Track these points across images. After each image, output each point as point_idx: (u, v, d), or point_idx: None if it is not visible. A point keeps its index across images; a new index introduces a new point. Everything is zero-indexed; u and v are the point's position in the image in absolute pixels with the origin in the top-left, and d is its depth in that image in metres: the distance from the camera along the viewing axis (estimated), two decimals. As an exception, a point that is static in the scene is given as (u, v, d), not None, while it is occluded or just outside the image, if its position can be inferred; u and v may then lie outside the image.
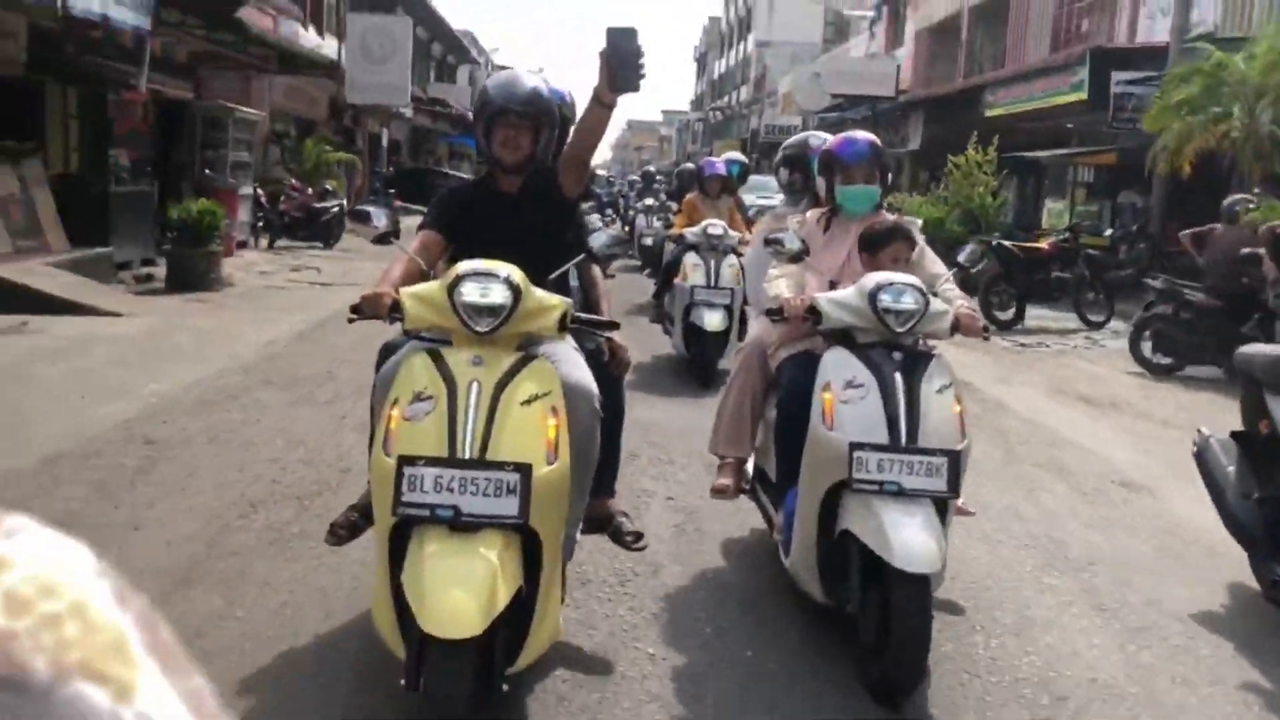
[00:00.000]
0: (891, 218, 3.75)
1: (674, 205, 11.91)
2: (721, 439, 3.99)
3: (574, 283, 3.41)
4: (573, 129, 3.28)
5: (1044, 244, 12.10)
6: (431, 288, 2.76)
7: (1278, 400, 3.75)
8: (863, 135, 3.88)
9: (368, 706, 2.83)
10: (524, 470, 2.49)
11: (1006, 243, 11.86)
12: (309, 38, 21.46)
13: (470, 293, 2.65)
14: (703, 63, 74.35)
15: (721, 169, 8.97)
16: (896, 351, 3.20)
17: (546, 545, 2.60)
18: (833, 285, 3.55)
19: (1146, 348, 9.02)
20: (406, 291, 2.77)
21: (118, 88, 12.86)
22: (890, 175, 3.88)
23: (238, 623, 3.28)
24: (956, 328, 3.31)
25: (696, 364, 7.73)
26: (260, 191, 16.83)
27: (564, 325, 2.78)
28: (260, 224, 16.89)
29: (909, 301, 3.18)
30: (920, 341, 3.32)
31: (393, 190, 25.14)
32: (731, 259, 7.69)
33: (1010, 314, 11.52)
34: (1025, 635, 3.43)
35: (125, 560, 3.73)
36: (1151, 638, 3.44)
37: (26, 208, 11.19)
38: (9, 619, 0.39)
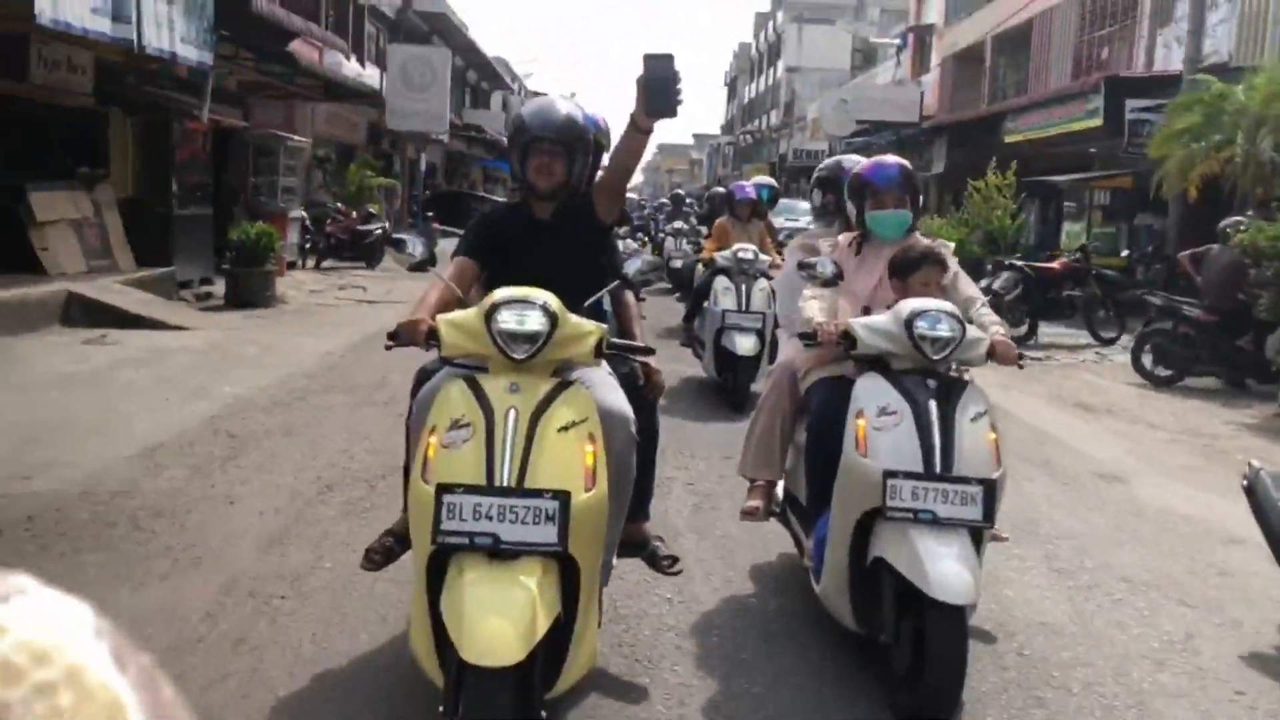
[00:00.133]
0: (925, 242, 3.68)
1: (704, 229, 11.97)
2: (751, 461, 3.99)
3: (606, 307, 3.41)
4: (609, 154, 3.32)
5: (1056, 264, 12.62)
6: (468, 315, 2.76)
7: None
8: (893, 160, 3.85)
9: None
10: (562, 498, 2.49)
11: (1019, 262, 12.41)
12: (351, 67, 22.36)
13: (507, 320, 2.66)
14: (733, 88, 75.15)
15: (752, 193, 8.99)
16: (931, 379, 3.17)
17: (584, 572, 2.60)
18: (866, 310, 3.53)
19: (1147, 360, 9.54)
20: (443, 319, 2.77)
21: (180, 117, 13.76)
22: (921, 199, 3.85)
23: (326, 572, 3.94)
24: (992, 355, 3.27)
25: (728, 388, 7.69)
26: (304, 215, 17.69)
27: (599, 351, 2.78)
28: (307, 246, 17.73)
29: (945, 329, 3.14)
30: (953, 368, 3.29)
31: (430, 213, 26.05)
32: (762, 283, 7.70)
33: (1024, 330, 12.05)
34: (988, 591, 3.99)
35: (227, 526, 4.43)
36: (1097, 593, 4.02)
37: (99, 230, 12.04)
38: (2, 689, 0.38)
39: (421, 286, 3.10)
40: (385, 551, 3.17)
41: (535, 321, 2.65)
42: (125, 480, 4.98)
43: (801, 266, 3.63)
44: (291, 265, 16.42)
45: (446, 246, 19.75)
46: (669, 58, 2.81)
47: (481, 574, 2.45)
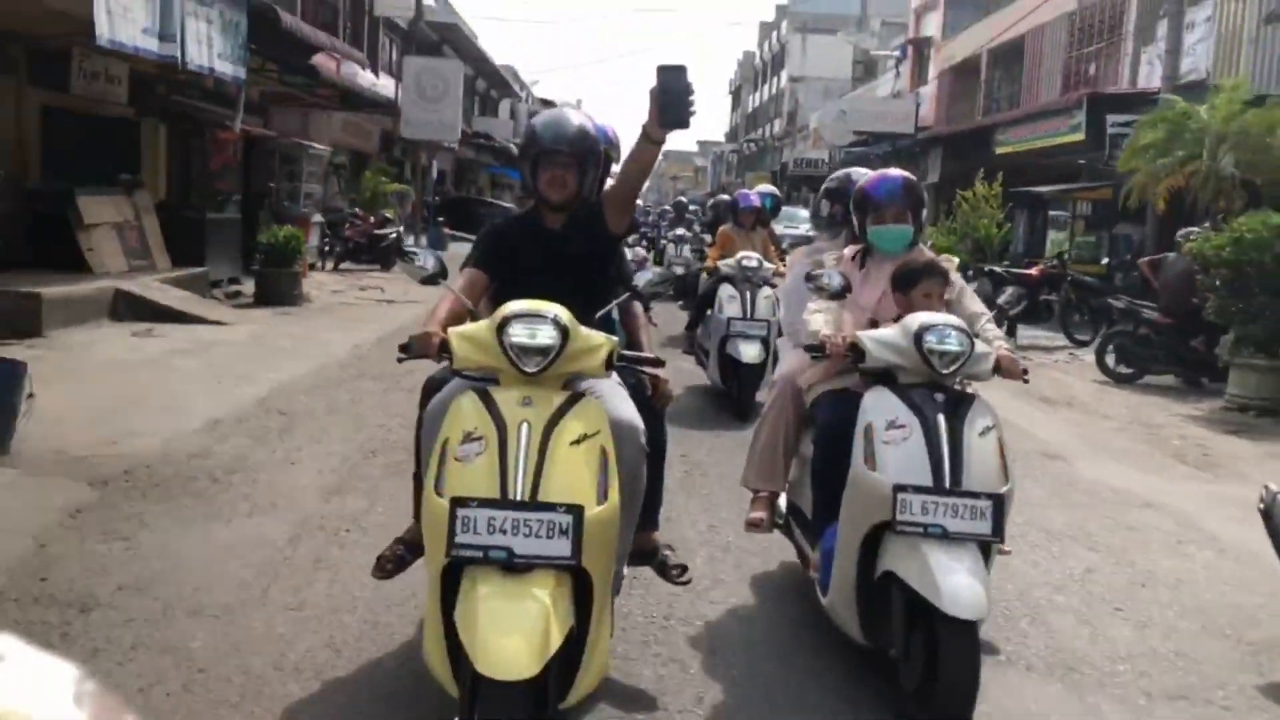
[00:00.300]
0: (927, 255, 3.72)
1: (708, 236, 12.06)
2: (754, 473, 4.01)
3: (614, 316, 3.39)
4: (621, 165, 3.33)
5: (1034, 270, 13.42)
6: (479, 328, 2.77)
7: None
8: (897, 174, 3.86)
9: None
10: (576, 512, 2.50)
11: (997, 268, 13.22)
12: (366, 77, 23.21)
13: (519, 334, 2.66)
14: (737, 96, 75.93)
15: (756, 201, 9.00)
16: (939, 392, 3.17)
17: (597, 584, 2.61)
18: (872, 323, 3.54)
19: (1110, 360, 10.34)
20: (455, 332, 2.78)
21: (211, 127, 14.62)
22: (924, 212, 3.84)
23: (379, 514, 4.74)
24: (998, 369, 3.29)
25: (732, 396, 7.69)
26: (323, 219, 18.53)
27: (610, 364, 2.79)
28: (326, 249, 18.57)
29: (954, 343, 3.15)
30: (959, 382, 3.28)
31: (441, 219, 26.91)
32: (767, 290, 7.68)
33: (1002, 332, 12.85)
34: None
35: (291, 481, 5.24)
36: (1020, 542, 4.77)
37: (139, 233, 12.87)
38: None
39: (435, 290, 3.17)
40: (397, 560, 3.22)
41: (547, 335, 2.67)
42: (197, 447, 5.80)
43: (809, 279, 3.60)
44: (312, 267, 17.25)
45: (455, 250, 20.55)
46: (682, 69, 2.82)
47: (495, 587, 2.46)
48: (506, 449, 2.57)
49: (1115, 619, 4.01)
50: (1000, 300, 4.15)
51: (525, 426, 2.60)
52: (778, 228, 13.87)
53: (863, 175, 4.21)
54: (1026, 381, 3.56)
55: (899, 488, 2.99)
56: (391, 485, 5.19)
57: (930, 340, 3.15)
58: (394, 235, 19.40)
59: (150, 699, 2.95)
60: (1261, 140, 11.14)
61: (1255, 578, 4.45)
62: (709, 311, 8.17)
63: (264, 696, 3.01)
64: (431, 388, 3.15)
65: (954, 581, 2.86)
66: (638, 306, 3.56)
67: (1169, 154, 11.66)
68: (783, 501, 4.06)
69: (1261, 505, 3.80)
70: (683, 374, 8.67)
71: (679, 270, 14.40)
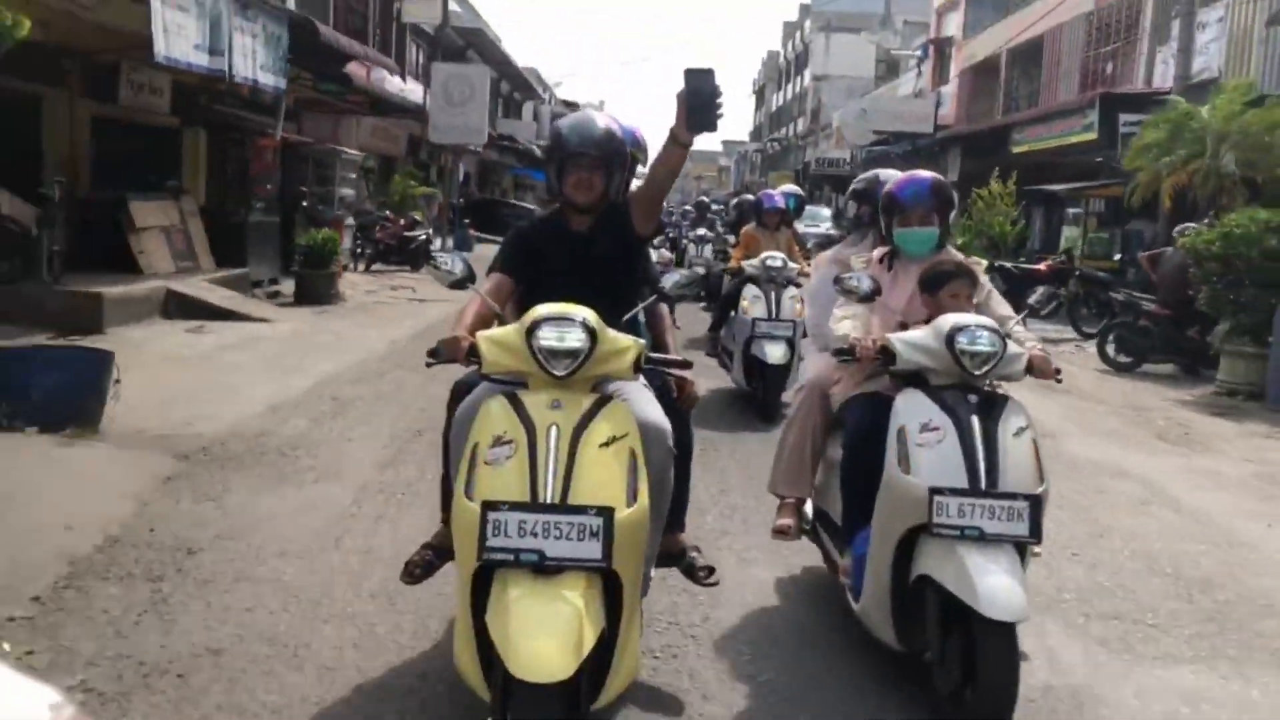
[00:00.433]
0: (956, 257, 3.69)
1: (732, 237, 11.97)
2: (781, 479, 4.00)
3: (640, 318, 3.35)
4: (648, 168, 3.31)
5: (1043, 266, 13.90)
6: (508, 332, 2.78)
7: None
8: (925, 175, 3.83)
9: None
10: (607, 514, 2.51)
11: (1007, 264, 13.71)
12: (395, 82, 23.91)
13: (548, 337, 2.68)
14: (761, 95, 76.33)
15: (781, 202, 8.94)
16: (972, 394, 3.15)
17: (627, 585, 2.62)
18: (902, 325, 3.51)
19: (1111, 349, 10.83)
20: (483, 335, 2.79)
21: (251, 134, 15.33)
22: (953, 213, 3.81)
23: (429, 482, 5.30)
24: (1030, 370, 3.27)
25: (757, 397, 7.64)
26: (354, 222, 19.22)
27: (638, 366, 2.81)
28: (359, 250, 19.26)
29: (986, 344, 3.12)
30: (991, 383, 3.26)
31: (467, 220, 27.59)
32: (792, 290, 7.64)
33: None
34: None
35: (349, 455, 5.86)
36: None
37: (184, 236, 13.57)
38: None
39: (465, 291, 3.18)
40: (425, 565, 3.25)
41: (575, 338, 2.68)
42: (261, 428, 6.43)
43: (837, 282, 3.58)
44: (344, 268, 17.93)
45: (481, 251, 21.12)
46: (710, 73, 2.83)
47: (526, 590, 2.47)
48: (536, 452, 2.58)
49: (1070, 561, 4.56)
50: (1030, 300, 4.10)
51: (554, 429, 2.61)
52: (799, 227, 14.22)
53: (891, 176, 4.17)
54: (1059, 381, 3.48)
55: (935, 490, 2.98)
56: (437, 460, 5.77)
57: (962, 341, 3.13)
58: (423, 237, 20.08)
59: (256, 617, 3.58)
60: (1261, 139, 11.57)
61: (1205, 532, 4.99)
62: (733, 313, 8.13)
63: (348, 615, 3.63)
64: (459, 392, 3.16)
65: (991, 583, 2.85)
66: (663, 308, 3.56)
67: (1172, 153, 12.11)
68: (808, 508, 4.03)
69: None
70: (706, 376, 8.36)
71: (700, 270, 14.71)
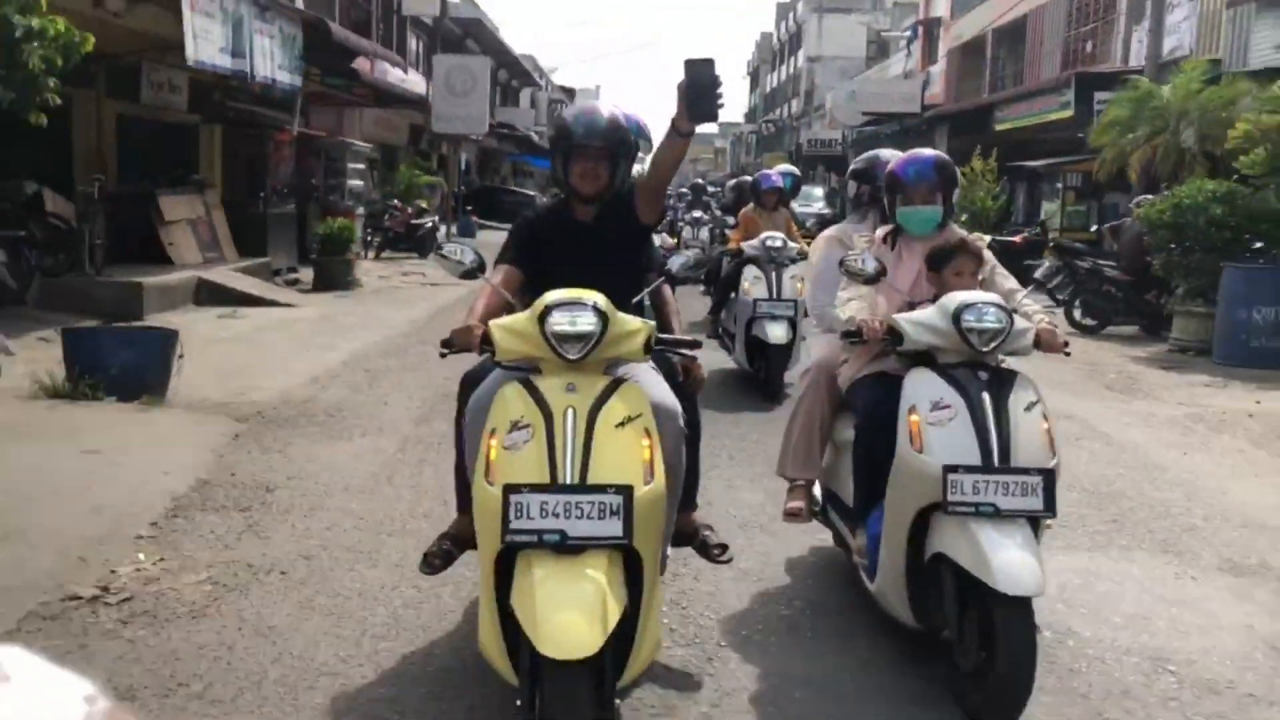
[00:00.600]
0: (960, 233, 3.69)
1: (730, 219, 11.97)
2: (790, 462, 4.02)
3: (646, 302, 3.37)
4: (651, 157, 3.35)
5: (1018, 238, 14.70)
6: (520, 319, 2.82)
7: None
8: (928, 154, 3.81)
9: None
10: (626, 492, 2.56)
11: (986, 238, 14.48)
12: (396, 74, 24.67)
13: (560, 321, 2.72)
14: (755, 77, 76.71)
15: (778, 181, 8.95)
16: (981, 370, 3.15)
17: (647, 562, 2.66)
18: (909, 305, 3.51)
19: (1078, 314, 11.65)
20: (496, 324, 2.83)
21: (267, 129, 16.13)
22: (957, 191, 3.76)
23: (460, 436, 6.19)
24: (1038, 344, 3.28)
25: (760, 378, 7.68)
26: (364, 211, 20.02)
27: (649, 347, 2.85)
28: (369, 238, 20.07)
29: (993, 320, 3.13)
30: (1000, 359, 3.26)
31: (469, 208, 28.40)
32: (793, 270, 7.64)
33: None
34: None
35: (388, 414, 6.70)
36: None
37: (209, 227, 14.39)
38: None
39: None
40: (444, 555, 3.31)
41: (587, 322, 2.72)
42: (306, 395, 7.27)
43: (842, 264, 3.55)
44: (356, 256, 18.75)
45: (484, 238, 21.80)
46: (710, 62, 2.86)
47: (550, 570, 2.53)
48: (554, 435, 2.63)
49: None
50: (1037, 274, 4.13)
51: (571, 412, 2.66)
52: (794, 206, 14.75)
53: (891, 156, 4.22)
54: (1068, 354, 3.49)
55: (949, 468, 2.98)
56: (466, 416, 6.64)
57: (969, 319, 3.13)
58: (430, 225, 20.90)
59: (333, 533, 4.43)
60: (1218, 115, 12.33)
61: (1125, 459, 5.83)
62: (733, 294, 8.16)
63: (407, 531, 4.48)
64: (469, 383, 3.21)
65: (1006, 559, 2.86)
66: (667, 291, 3.60)
67: (1135, 130, 12.89)
68: (817, 489, 4.07)
69: None
70: (708, 358, 9.02)
71: (699, 253, 14.86)
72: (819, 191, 33.13)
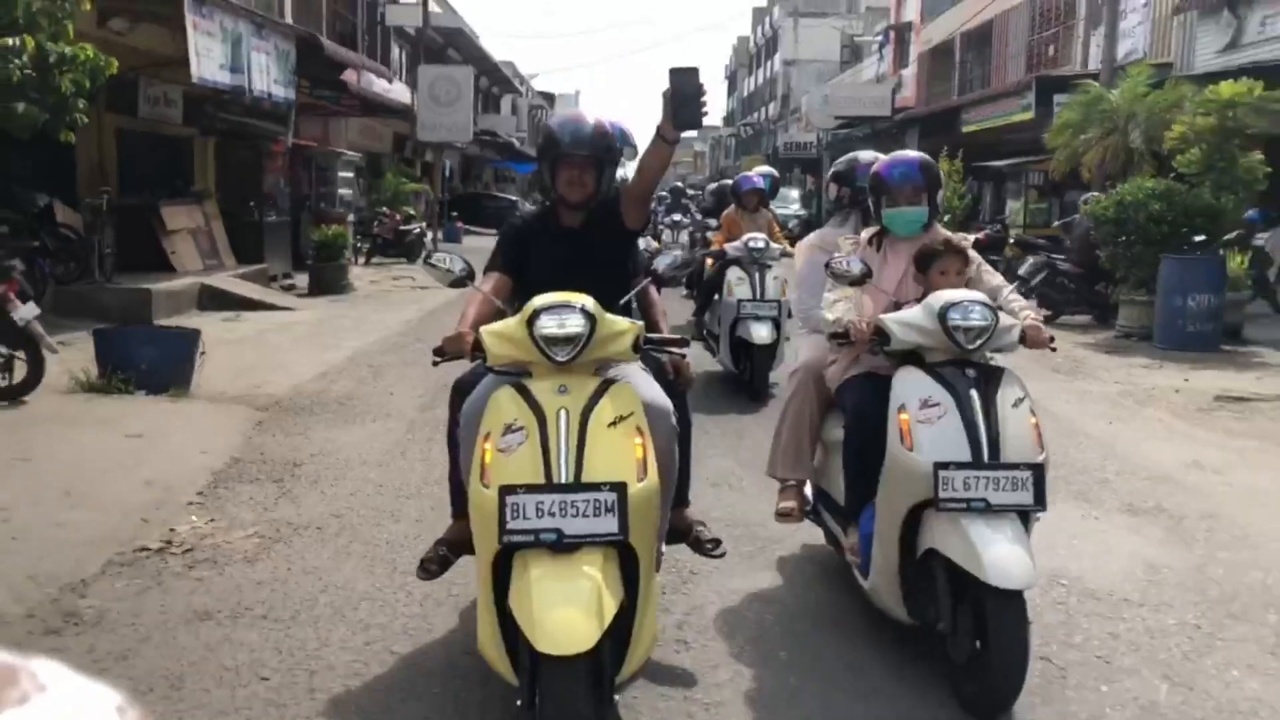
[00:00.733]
0: (945, 233, 3.73)
1: (712, 221, 12.06)
2: (781, 462, 4.06)
3: (633, 304, 3.44)
4: (636, 164, 3.37)
5: (980, 235, 15.44)
6: (509, 324, 2.86)
7: None
8: (912, 156, 3.84)
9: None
10: (620, 489, 2.60)
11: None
12: (380, 83, 25.28)
13: (548, 325, 2.75)
14: (733, 81, 77.42)
15: (759, 182, 9.06)
16: (969, 368, 3.19)
17: (642, 558, 2.70)
18: (896, 305, 3.53)
19: (1032, 304, 12.39)
20: (486, 330, 2.87)
21: (259, 140, 16.74)
22: (941, 192, 3.78)
23: (461, 420, 6.86)
24: (1024, 340, 3.32)
25: (745, 378, 7.78)
26: (353, 218, 20.64)
27: (638, 347, 2.89)
28: (358, 245, 20.69)
29: (978, 318, 3.17)
30: (987, 356, 3.30)
31: (455, 214, 29.04)
32: (776, 270, 7.74)
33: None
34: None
35: (394, 402, 7.36)
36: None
37: (209, 236, 15.00)
38: None
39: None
40: (441, 560, 3.34)
41: (575, 324, 2.76)
42: (316, 388, 7.92)
43: (828, 267, 3.56)
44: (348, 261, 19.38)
45: (469, 243, 22.34)
46: (694, 71, 2.89)
47: (546, 568, 2.57)
48: (548, 436, 2.68)
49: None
50: (1021, 271, 4.32)
51: (564, 413, 2.71)
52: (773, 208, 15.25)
53: (870, 158, 4.28)
54: (1054, 349, 3.55)
55: (940, 465, 3.03)
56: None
57: (955, 317, 3.17)
58: (417, 230, 21.56)
59: (358, 498, 5.11)
60: (1163, 117, 13.11)
61: (1057, 428, 6.53)
62: (716, 296, 8.25)
63: (423, 494, 5.16)
64: (461, 390, 3.27)
65: (997, 553, 2.91)
66: (653, 292, 3.67)
67: (1086, 131, 13.67)
68: (808, 489, 4.11)
69: None
70: (693, 360, 9.00)
71: (682, 252, 15.23)
72: (795, 194, 33.93)
